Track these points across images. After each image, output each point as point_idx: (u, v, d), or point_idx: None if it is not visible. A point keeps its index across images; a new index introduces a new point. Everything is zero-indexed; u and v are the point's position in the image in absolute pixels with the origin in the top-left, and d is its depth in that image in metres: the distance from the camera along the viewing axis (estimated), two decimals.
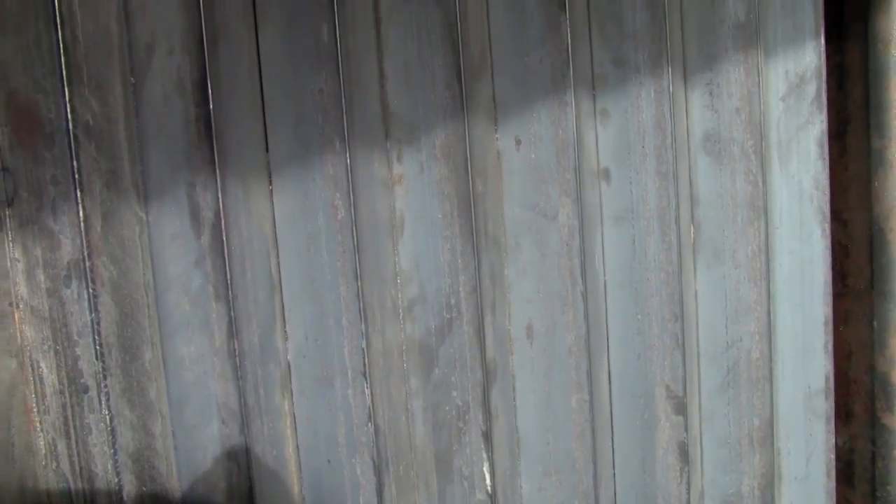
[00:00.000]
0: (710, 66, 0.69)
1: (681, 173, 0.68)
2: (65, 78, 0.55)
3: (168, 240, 0.56)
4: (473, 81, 0.63)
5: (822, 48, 0.74)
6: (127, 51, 0.56)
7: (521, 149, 0.64)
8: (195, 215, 0.57)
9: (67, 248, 0.55)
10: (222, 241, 0.57)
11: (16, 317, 0.55)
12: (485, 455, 0.64)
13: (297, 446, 0.60)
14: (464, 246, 0.61)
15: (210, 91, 0.57)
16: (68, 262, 0.55)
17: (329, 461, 0.61)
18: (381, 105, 0.61)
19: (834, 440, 0.76)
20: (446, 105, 0.63)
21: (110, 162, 0.56)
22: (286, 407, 0.59)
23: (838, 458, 0.76)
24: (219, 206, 0.57)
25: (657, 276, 0.67)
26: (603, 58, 0.66)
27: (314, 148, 0.59)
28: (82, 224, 0.55)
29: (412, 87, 0.62)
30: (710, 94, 0.70)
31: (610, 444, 0.68)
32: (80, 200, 0.55)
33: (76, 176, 0.55)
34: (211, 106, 0.57)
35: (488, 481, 0.64)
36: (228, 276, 0.58)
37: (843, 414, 0.79)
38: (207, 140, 0.57)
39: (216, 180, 0.57)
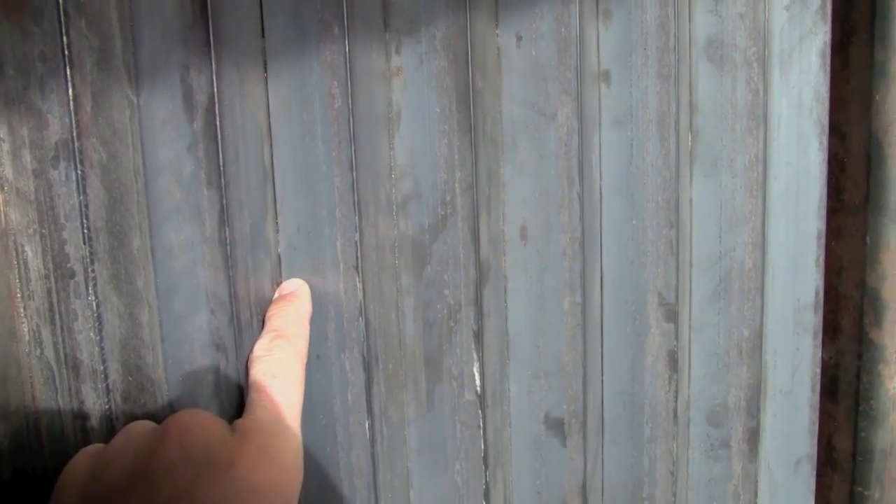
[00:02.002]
0: None
1: (682, 79, 0.68)
2: None
3: (160, 124, 0.56)
4: None
5: None
6: None
7: (522, 45, 0.64)
8: (188, 99, 0.56)
9: (56, 128, 0.55)
10: (216, 126, 0.57)
11: (0, 199, 0.55)
12: (475, 355, 0.65)
13: None
14: (461, 142, 0.61)
15: None
16: (56, 143, 0.55)
17: (318, 356, 0.62)
18: None
19: (820, 354, 0.78)
20: None
21: (101, 40, 0.55)
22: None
23: (824, 373, 0.78)
24: (213, 91, 0.57)
25: (654, 181, 0.68)
26: None
27: (312, 34, 0.59)
28: (71, 103, 0.54)
29: None
30: None
31: (600, 349, 0.70)
32: (69, 78, 0.54)
33: (65, 53, 0.54)
34: None
35: (478, 382, 0.65)
36: (221, 163, 0.58)
37: (831, 329, 0.81)
38: (203, 21, 0.56)
39: (211, 64, 0.57)
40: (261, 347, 0.57)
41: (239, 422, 0.53)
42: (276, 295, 0.62)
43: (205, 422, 0.51)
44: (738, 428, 0.78)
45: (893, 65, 0.75)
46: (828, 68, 0.75)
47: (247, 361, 0.59)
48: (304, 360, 0.58)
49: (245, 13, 0.58)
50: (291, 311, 0.60)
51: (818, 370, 0.80)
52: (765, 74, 0.73)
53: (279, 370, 0.56)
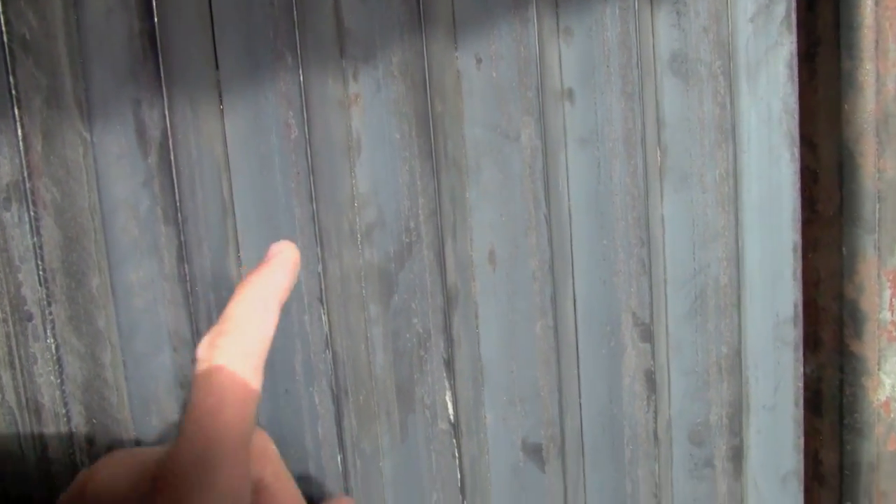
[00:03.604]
0: None
1: (647, 94, 0.68)
2: None
3: (113, 160, 0.55)
4: None
5: None
6: None
7: (482, 67, 0.63)
8: (141, 134, 0.56)
9: (6, 169, 0.54)
10: (170, 161, 0.56)
11: None
12: (447, 384, 0.63)
13: None
14: (423, 167, 0.61)
15: (154, 4, 0.56)
16: (7, 184, 0.54)
17: (286, 390, 0.61)
18: (335, 20, 0.60)
19: (802, 368, 0.77)
20: (403, 21, 0.62)
21: (50, 78, 0.54)
22: None
23: (806, 387, 0.77)
24: (166, 125, 0.56)
25: (623, 199, 0.67)
26: None
27: (266, 64, 0.58)
28: (21, 143, 0.54)
29: (367, 1, 0.60)
30: (677, 12, 0.70)
31: (576, 372, 0.68)
32: (17, 118, 0.53)
33: (13, 92, 0.53)
34: (156, 20, 0.56)
35: (451, 410, 0.64)
36: (178, 198, 0.57)
37: (812, 342, 0.80)
38: (153, 55, 0.56)
39: (163, 97, 0.56)
40: (201, 348, 0.47)
41: (159, 460, 0.45)
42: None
43: (115, 473, 0.46)
44: (721, 446, 0.76)
45: (861, 74, 0.74)
46: (795, 79, 0.75)
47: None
48: (258, 355, 0.48)
49: (196, 45, 0.57)
50: (252, 290, 0.49)
51: (800, 384, 0.79)
52: (731, 87, 0.72)
53: (216, 386, 0.46)
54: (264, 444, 0.52)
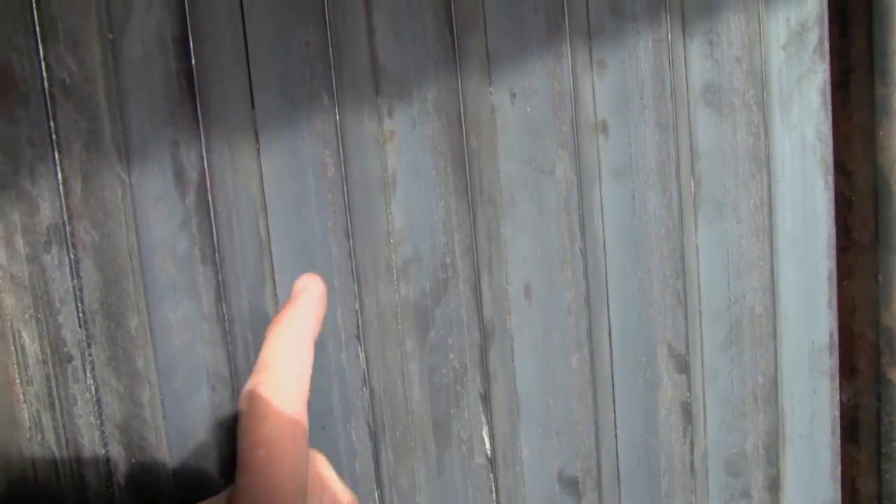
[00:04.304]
0: (709, 14, 0.68)
1: (680, 125, 0.67)
2: (39, 35, 0.53)
3: (152, 201, 0.55)
4: (466, 33, 0.62)
5: None
6: (104, 5, 0.54)
7: (516, 102, 0.63)
8: (179, 175, 0.56)
9: (46, 213, 0.54)
10: (208, 201, 0.56)
11: None
12: (483, 418, 0.63)
13: None
14: (458, 203, 0.60)
15: (192, 46, 0.56)
16: (48, 227, 0.54)
17: (324, 427, 0.60)
18: (370, 58, 0.60)
19: (838, 397, 0.76)
20: (438, 58, 0.61)
21: (89, 122, 0.54)
22: None
23: (843, 415, 0.76)
24: (203, 166, 0.56)
25: (657, 231, 0.66)
26: (599, 7, 0.65)
27: (302, 104, 0.58)
28: (61, 186, 0.54)
29: (402, 39, 0.60)
30: (710, 42, 0.69)
31: (611, 404, 0.68)
32: (58, 162, 0.53)
33: (53, 136, 0.53)
34: (193, 61, 0.56)
35: (487, 445, 0.64)
36: (215, 239, 0.57)
37: (848, 370, 0.79)
38: (190, 97, 0.56)
39: (200, 139, 0.56)
40: (244, 398, 0.47)
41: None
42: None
43: None
44: (757, 476, 0.76)
45: (895, 100, 0.73)
46: (829, 106, 0.74)
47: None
48: (300, 397, 0.48)
49: (233, 86, 0.58)
50: (283, 333, 0.50)
51: (837, 413, 0.78)
52: (765, 116, 0.72)
53: (263, 437, 0.46)
54: (319, 471, 0.52)
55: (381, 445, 0.63)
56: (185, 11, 0.56)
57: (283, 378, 0.48)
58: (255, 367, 0.49)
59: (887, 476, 0.79)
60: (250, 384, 0.48)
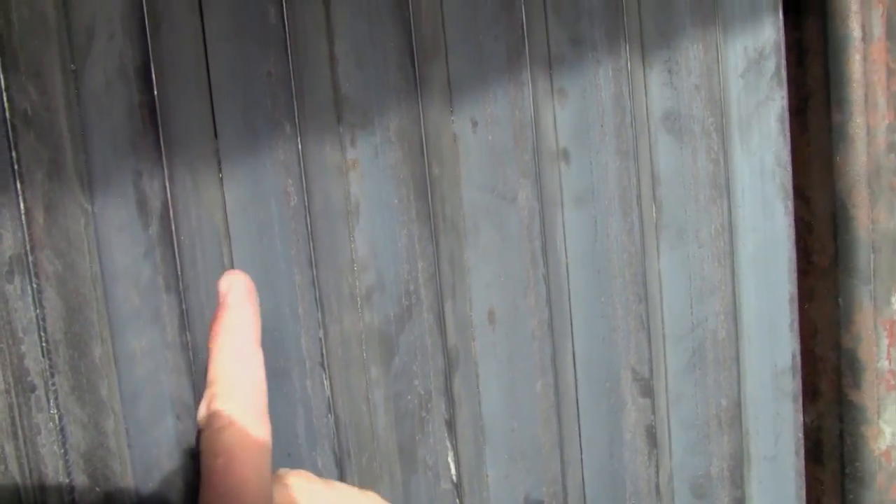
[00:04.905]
0: (667, 43, 0.69)
1: (641, 152, 0.68)
2: (0, 65, 0.53)
3: (115, 231, 0.55)
4: (427, 62, 0.62)
5: (781, 23, 0.75)
6: (66, 36, 0.55)
7: (478, 130, 0.63)
8: (142, 205, 0.56)
9: (9, 243, 0.54)
10: (171, 230, 0.56)
11: None
12: (449, 444, 0.63)
13: None
14: (421, 230, 0.61)
15: (154, 77, 0.56)
16: (10, 257, 0.54)
17: (289, 454, 0.60)
18: (332, 88, 0.60)
19: (802, 418, 0.76)
20: (400, 87, 0.62)
21: (52, 151, 0.54)
22: None
23: (806, 437, 0.77)
24: (167, 196, 0.56)
25: (620, 257, 0.67)
26: (559, 36, 0.66)
27: (264, 133, 0.59)
28: (23, 216, 0.54)
29: (364, 68, 0.61)
30: (669, 71, 0.70)
31: (576, 428, 0.68)
32: (20, 192, 0.53)
33: (15, 166, 0.53)
34: (156, 92, 0.56)
35: (453, 470, 0.64)
36: (179, 267, 0.57)
37: (811, 392, 0.79)
38: (153, 127, 0.56)
39: (163, 168, 0.56)
40: (201, 417, 0.46)
41: None
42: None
43: None
44: (723, 498, 0.76)
45: (851, 127, 0.74)
46: (787, 133, 0.75)
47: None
48: (257, 404, 0.47)
49: (196, 116, 0.58)
50: (227, 342, 0.48)
51: (801, 435, 0.78)
52: (724, 143, 0.72)
53: (221, 446, 0.45)
54: (289, 491, 0.51)
55: (348, 472, 0.63)
56: (146, 42, 0.56)
57: (236, 388, 0.47)
58: (207, 382, 0.49)
59: (851, 496, 0.79)
60: (205, 399, 0.48)
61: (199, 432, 0.49)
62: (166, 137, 0.56)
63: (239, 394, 0.47)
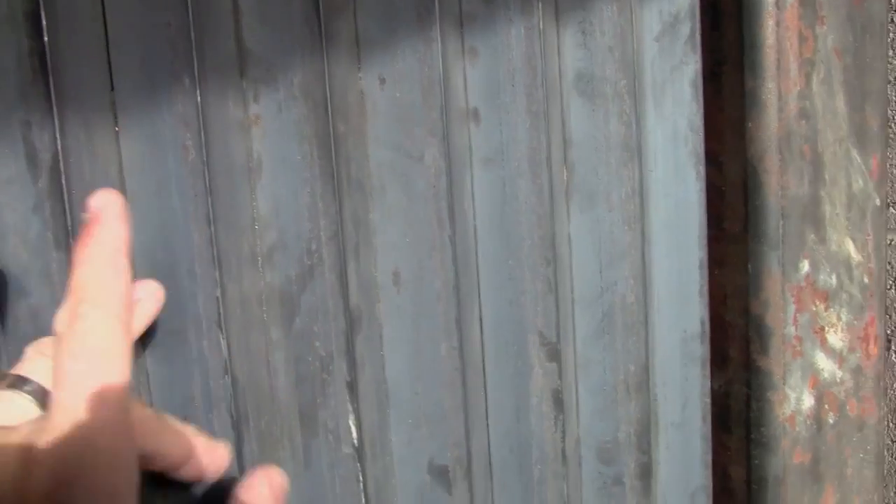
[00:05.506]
0: (582, 4, 0.70)
1: (552, 114, 0.69)
2: None
3: (2, 184, 0.55)
4: (334, 17, 0.63)
5: None
6: None
7: (386, 87, 0.64)
8: (31, 158, 0.55)
9: None
10: (62, 185, 0.55)
11: None
12: (350, 407, 0.64)
13: (151, 402, 0.59)
14: (324, 189, 0.61)
15: (45, 23, 0.55)
16: None
17: (185, 417, 0.61)
18: (235, 41, 0.60)
19: (709, 384, 0.79)
20: (305, 42, 0.62)
21: None
22: (137, 361, 0.58)
23: (714, 403, 0.79)
24: (57, 148, 0.56)
25: (529, 219, 0.68)
26: None
27: (163, 85, 0.58)
28: None
29: (268, 22, 0.61)
30: (583, 32, 0.71)
31: (482, 392, 0.70)
32: None
33: None
34: (46, 39, 0.55)
35: (354, 434, 0.65)
36: (69, 223, 0.56)
37: (719, 358, 0.82)
38: (43, 76, 0.55)
39: (54, 119, 0.55)
40: (61, 321, 0.44)
41: (34, 439, 0.41)
42: (83, 219, 0.48)
43: None
44: (630, 464, 0.78)
45: (764, 92, 0.76)
46: (700, 98, 0.77)
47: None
48: (127, 317, 0.44)
49: (90, 66, 0.57)
50: (97, 253, 0.45)
51: (708, 400, 0.81)
52: (637, 106, 0.74)
53: (84, 348, 0.42)
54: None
55: (245, 436, 0.64)
56: None
57: (102, 295, 0.45)
58: (71, 287, 0.46)
59: (757, 461, 0.82)
60: (69, 303, 0.45)
61: (55, 339, 0.46)
62: (58, 87, 0.56)
63: (105, 301, 0.45)
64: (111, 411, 0.41)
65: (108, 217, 0.47)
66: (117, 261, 0.46)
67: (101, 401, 0.41)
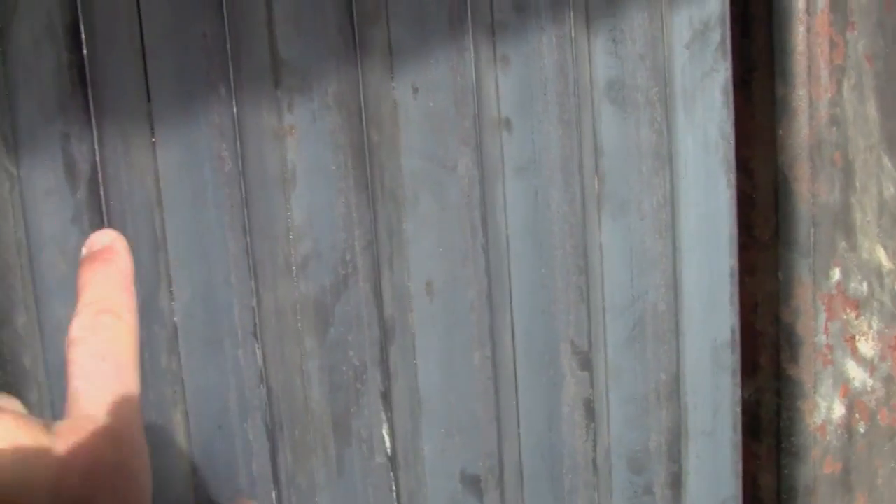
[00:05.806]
0: (612, 12, 0.71)
1: (584, 122, 0.70)
2: None
3: (41, 195, 0.56)
4: (367, 26, 0.63)
5: None
6: None
7: (419, 97, 0.65)
8: (70, 169, 0.56)
9: None
10: (100, 195, 0.56)
11: None
12: (384, 416, 0.65)
13: (186, 412, 0.60)
14: (359, 199, 0.62)
15: (84, 36, 0.56)
16: None
17: (220, 427, 0.61)
18: (269, 51, 0.61)
19: (740, 393, 0.79)
20: (339, 51, 0.63)
21: None
22: (173, 370, 0.59)
23: (744, 412, 0.80)
24: (95, 159, 0.57)
25: (561, 228, 0.69)
26: (503, 2, 0.68)
27: (199, 96, 0.59)
28: None
29: (303, 32, 0.62)
30: (614, 40, 0.72)
31: (514, 402, 0.70)
32: None
33: None
34: (85, 52, 0.57)
35: (388, 444, 0.65)
36: None
37: (749, 366, 0.82)
38: (82, 88, 0.56)
39: (92, 131, 0.56)
40: (81, 327, 0.45)
41: (62, 426, 0.45)
42: (85, 252, 0.48)
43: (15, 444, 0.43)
44: (660, 473, 0.79)
45: (794, 99, 0.77)
46: (731, 105, 0.78)
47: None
48: (137, 337, 0.45)
49: (128, 78, 0.58)
50: (112, 275, 0.46)
51: (738, 409, 0.81)
52: (668, 114, 0.75)
53: (110, 352, 0.42)
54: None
55: (279, 445, 0.64)
56: (76, 0, 0.56)
57: (122, 310, 0.45)
58: (87, 300, 0.46)
59: (787, 471, 0.83)
60: (88, 311, 0.45)
61: (71, 342, 0.46)
62: (96, 99, 0.57)
63: (125, 315, 0.45)
64: (135, 414, 0.42)
65: (116, 249, 0.48)
66: (127, 287, 0.46)
67: (128, 403, 0.42)
